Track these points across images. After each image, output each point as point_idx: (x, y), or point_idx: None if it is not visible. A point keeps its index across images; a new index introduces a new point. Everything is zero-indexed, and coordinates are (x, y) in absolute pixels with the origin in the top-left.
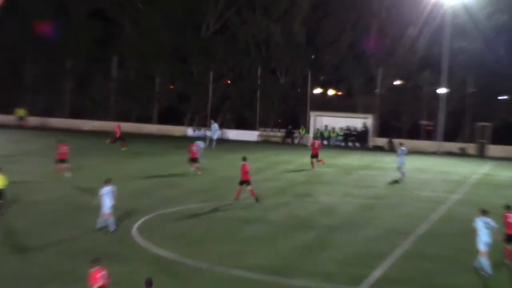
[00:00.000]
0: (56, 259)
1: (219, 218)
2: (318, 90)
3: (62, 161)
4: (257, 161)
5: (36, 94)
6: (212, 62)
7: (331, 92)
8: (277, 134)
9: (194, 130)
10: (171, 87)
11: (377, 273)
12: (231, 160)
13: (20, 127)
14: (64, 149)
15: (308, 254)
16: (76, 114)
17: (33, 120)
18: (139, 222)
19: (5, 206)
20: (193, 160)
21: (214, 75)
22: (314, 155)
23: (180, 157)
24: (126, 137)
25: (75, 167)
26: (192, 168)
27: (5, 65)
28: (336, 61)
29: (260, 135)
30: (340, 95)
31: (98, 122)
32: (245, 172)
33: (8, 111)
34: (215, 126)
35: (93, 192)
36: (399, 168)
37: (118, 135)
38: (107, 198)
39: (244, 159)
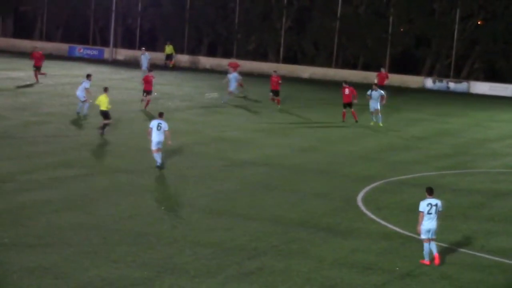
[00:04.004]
0: (268, 229)
1: (462, 189)
2: None
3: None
4: None
5: (246, 34)
6: None
7: None
8: None
9: (434, 81)
10: (402, 29)
11: None
12: (479, 119)
13: (166, 66)
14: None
15: None
16: (292, 58)
17: (182, 59)
18: (365, 190)
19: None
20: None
21: (461, 13)
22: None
23: (416, 114)
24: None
25: (292, 123)
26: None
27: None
28: None
29: None
30: None
31: (319, 69)
32: (344, 96)
33: (214, 53)
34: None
35: (312, 153)
36: None
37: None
38: (154, 133)
39: (345, 82)
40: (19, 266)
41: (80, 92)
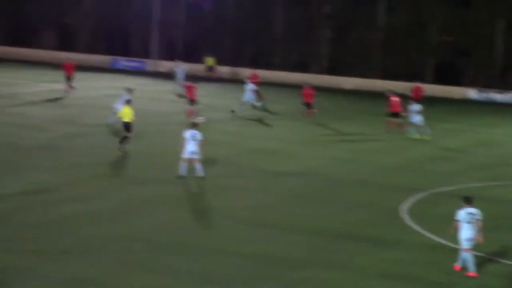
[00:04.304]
0: (310, 240)
1: (506, 200)
2: None
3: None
4: None
5: (287, 45)
6: (502, 7)
7: None
8: None
9: (478, 92)
10: (445, 40)
11: None
12: None
13: (208, 78)
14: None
15: None
16: (333, 69)
17: (223, 70)
18: (409, 201)
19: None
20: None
21: (505, 23)
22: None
23: (459, 125)
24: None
25: (332, 134)
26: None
27: (253, 11)
28: None
29: None
30: None
31: (361, 80)
32: (392, 105)
33: (255, 64)
34: None
35: (352, 164)
36: None
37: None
38: (189, 143)
39: (392, 92)
40: (61, 277)
41: (119, 105)
